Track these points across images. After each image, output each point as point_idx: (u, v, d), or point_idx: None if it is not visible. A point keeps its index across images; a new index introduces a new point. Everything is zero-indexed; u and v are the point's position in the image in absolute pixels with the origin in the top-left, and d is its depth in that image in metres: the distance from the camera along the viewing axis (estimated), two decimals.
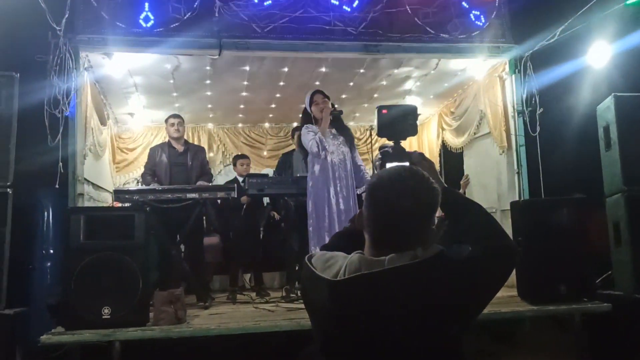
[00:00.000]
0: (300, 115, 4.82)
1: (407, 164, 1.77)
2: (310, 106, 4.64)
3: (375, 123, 1.82)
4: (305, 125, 4.63)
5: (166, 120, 5.63)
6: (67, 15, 4.50)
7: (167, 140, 5.73)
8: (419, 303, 1.39)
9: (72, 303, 3.74)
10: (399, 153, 1.81)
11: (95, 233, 3.90)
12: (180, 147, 5.59)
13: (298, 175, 5.70)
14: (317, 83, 6.25)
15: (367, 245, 1.53)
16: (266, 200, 6.29)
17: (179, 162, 5.55)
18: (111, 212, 4.29)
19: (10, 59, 4.46)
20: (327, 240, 4.41)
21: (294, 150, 6.30)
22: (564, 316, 4.32)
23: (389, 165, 1.80)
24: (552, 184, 5.45)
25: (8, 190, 3.97)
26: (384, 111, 1.80)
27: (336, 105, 4.72)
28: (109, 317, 3.76)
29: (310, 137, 4.51)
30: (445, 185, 1.65)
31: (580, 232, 4.45)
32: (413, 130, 1.82)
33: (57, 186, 4.58)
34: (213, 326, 3.85)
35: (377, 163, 1.82)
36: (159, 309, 3.88)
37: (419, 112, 6.08)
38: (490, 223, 1.64)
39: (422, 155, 1.81)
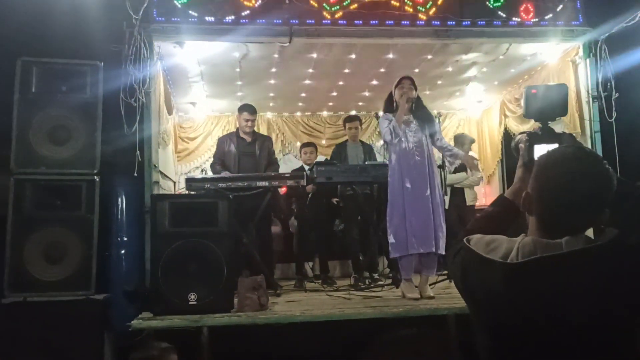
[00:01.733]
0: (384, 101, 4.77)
1: (556, 145, 1.71)
2: (395, 90, 4.59)
3: (522, 103, 1.75)
4: (384, 114, 4.60)
5: (240, 112, 5.63)
6: (145, 5, 4.54)
7: (235, 130, 5.76)
8: (601, 288, 1.34)
9: (160, 289, 3.80)
10: (548, 134, 1.74)
11: (179, 220, 3.94)
12: (248, 138, 5.62)
13: (367, 163, 5.68)
14: (382, 70, 6.19)
15: (535, 228, 1.48)
16: None
17: (247, 151, 5.58)
18: (195, 200, 4.32)
19: (90, 48, 4.53)
20: (402, 229, 4.39)
21: (347, 140, 6.29)
22: None
23: (537, 147, 1.74)
24: (629, 172, 5.26)
25: (95, 177, 4.04)
26: (534, 91, 1.74)
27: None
28: (195, 302, 3.81)
29: (385, 125, 4.49)
30: None
31: None
32: (563, 111, 1.76)
33: (135, 174, 4.66)
34: (298, 313, 3.86)
35: (524, 145, 1.75)
36: (243, 296, 3.91)
37: (480, 99, 5.97)
38: None
39: (572, 137, 1.74)
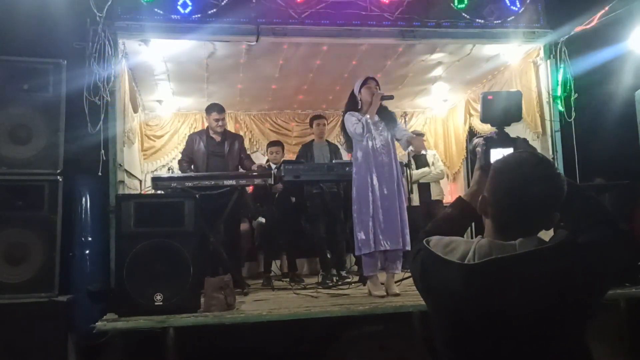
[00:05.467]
0: (346, 101, 4.79)
1: (511, 149, 1.77)
2: (360, 89, 4.62)
3: (479, 109, 1.81)
4: (349, 112, 4.62)
5: (208, 112, 5.58)
6: (109, 2, 4.48)
7: (205, 128, 5.73)
8: (552, 287, 1.40)
9: (125, 289, 3.76)
10: (503, 139, 1.81)
11: (145, 220, 3.90)
12: (218, 137, 5.60)
13: (333, 161, 5.72)
14: (353, 63, 6.22)
15: (491, 230, 1.54)
16: None
17: (216, 151, 5.57)
18: (160, 199, 4.30)
19: (53, 46, 4.46)
20: (370, 226, 4.45)
21: (313, 140, 6.31)
22: (608, 302, 4.32)
23: (493, 151, 1.80)
24: (588, 170, 5.43)
25: (58, 177, 3.99)
26: (490, 97, 1.80)
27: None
28: (161, 303, 3.78)
29: (354, 120, 4.50)
30: None
31: (622, 216, 4.43)
32: (518, 116, 1.82)
33: (100, 174, 4.59)
34: (264, 312, 3.86)
35: (480, 149, 1.81)
36: (210, 295, 3.90)
37: (445, 98, 6.09)
38: (603, 206, 1.65)
39: (526, 141, 1.81)
